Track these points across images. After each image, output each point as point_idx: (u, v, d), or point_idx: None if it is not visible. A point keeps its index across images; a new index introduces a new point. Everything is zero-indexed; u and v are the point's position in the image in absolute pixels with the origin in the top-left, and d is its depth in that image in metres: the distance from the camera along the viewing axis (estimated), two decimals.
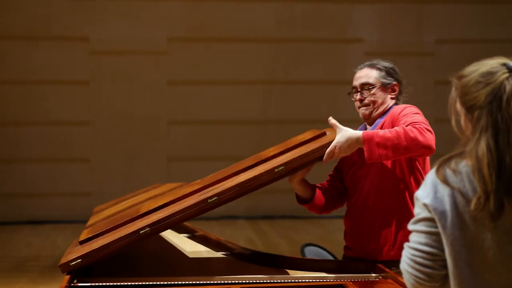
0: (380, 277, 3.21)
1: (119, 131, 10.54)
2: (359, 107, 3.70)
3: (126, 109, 10.50)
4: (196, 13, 10.44)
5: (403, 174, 3.47)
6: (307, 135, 3.51)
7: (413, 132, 3.20)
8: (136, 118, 10.52)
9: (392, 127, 3.43)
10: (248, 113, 10.59)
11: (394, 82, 3.69)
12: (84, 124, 10.50)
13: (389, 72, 3.69)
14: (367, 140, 3.22)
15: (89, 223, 4.14)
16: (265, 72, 10.58)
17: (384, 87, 3.66)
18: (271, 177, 3.16)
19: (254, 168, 3.31)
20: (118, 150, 10.56)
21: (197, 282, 3.06)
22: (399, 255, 3.37)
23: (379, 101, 3.65)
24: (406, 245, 2.18)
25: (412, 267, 2.13)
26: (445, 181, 2.10)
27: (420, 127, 3.24)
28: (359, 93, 3.69)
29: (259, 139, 10.56)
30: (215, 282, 3.06)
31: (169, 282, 3.06)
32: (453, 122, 2.22)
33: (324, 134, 3.41)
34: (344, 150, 3.27)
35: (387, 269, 3.22)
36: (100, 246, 3.06)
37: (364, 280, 3.16)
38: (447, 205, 2.08)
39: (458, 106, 2.18)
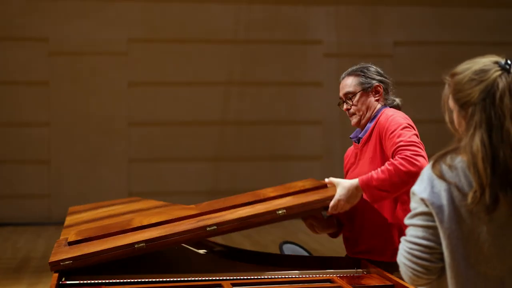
0: (364, 272, 3.27)
1: (79, 133, 10.46)
2: (349, 117, 3.74)
3: (86, 110, 10.43)
4: (156, 14, 10.42)
5: None
6: (307, 183, 3.58)
7: (405, 166, 3.22)
8: (96, 119, 10.46)
9: (380, 141, 3.47)
10: (208, 114, 10.60)
11: (376, 83, 3.66)
12: (44, 125, 10.40)
13: (368, 75, 3.67)
14: (365, 186, 3.27)
15: (68, 223, 4.13)
16: (225, 73, 10.61)
17: (366, 92, 3.65)
18: (271, 217, 3.20)
19: (254, 205, 3.36)
20: (78, 152, 10.48)
21: (186, 279, 3.08)
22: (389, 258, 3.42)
23: (364, 108, 3.65)
24: (403, 239, 2.23)
25: (410, 260, 2.18)
26: (442, 177, 2.15)
27: (408, 156, 3.25)
28: (344, 104, 3.72)
29: (219, 140, 10.60)
30: (205, 278, 3.09)
31: (157, 279, 3.07)
32: (447, 119, 2.28)
33: (325, 186, 3.47)
34: (348, 200, 3.31)
35: (370, 264, 3.28)
36: (93, 252, 3.08)
37: (350, 275, 3.22)
38: (444, 199, 2.14)
39: (451, 103, 2.24)
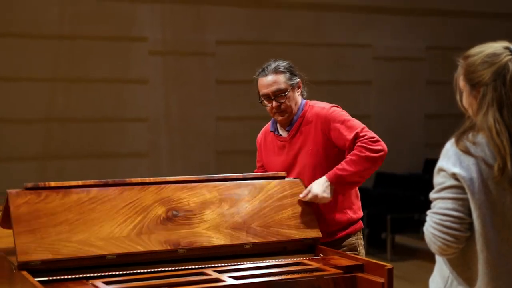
0: (321, 255, 3.41)
1: None
2: (275, 113, 3.81)
3: None
4: None
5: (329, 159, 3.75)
6: None
7: (366, 153, 3.55)
8: None
9: (323, 134, 3.70)
10: (32, 111, 10.14)
11: (298, 79, 3.84)
12: None
13: (291, 72, 3.81)
14: (337, 182, 3.57)
15: None
16: (49, 69, 10.22)
17: (293, 88, 3.79)
18: (239, 250, 3.30)
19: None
20: None
21: (166, 269, 3.05)
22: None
23: (293, 104, 3.79)
24: (431, 212, 2.42)
25: (440, 231, 2.37)
26: (468, 152, 2.37)
27: (367, 143, 3.57)
28: (273, 101, 3.77)
29: (45, 137, 10.22)
30: (187, 267, 3.09)
31: (137, 271, 3.04)
32: (457, 97, 2.52)
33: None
34: (326, 195, 3.56)
35: (325, 247, 3.44)
36: (64, 258, 2.99)
37: (314, 259, 3.34)
38: (473, 172, 2.35)
39: (462, 83, 2.48)
